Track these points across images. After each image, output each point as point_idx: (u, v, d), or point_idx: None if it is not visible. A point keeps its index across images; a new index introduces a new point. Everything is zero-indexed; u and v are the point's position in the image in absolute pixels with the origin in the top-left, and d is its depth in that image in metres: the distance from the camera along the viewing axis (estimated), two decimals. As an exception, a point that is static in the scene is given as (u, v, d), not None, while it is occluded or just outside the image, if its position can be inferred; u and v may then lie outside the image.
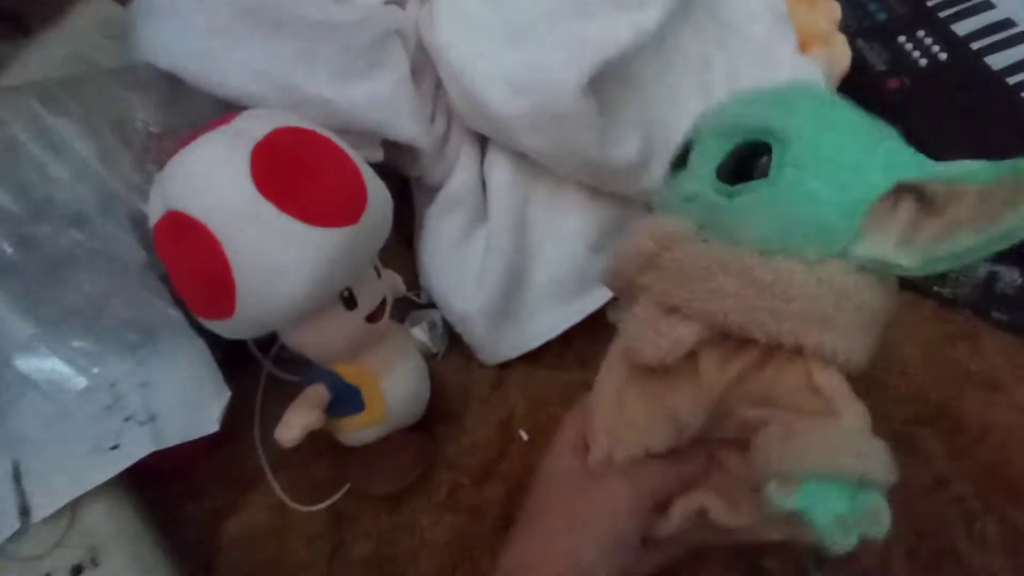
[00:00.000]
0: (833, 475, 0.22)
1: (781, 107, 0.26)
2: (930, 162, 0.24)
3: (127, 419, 0.32)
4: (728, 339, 0.26)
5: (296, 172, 0.28)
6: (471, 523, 0.37)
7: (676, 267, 0.26)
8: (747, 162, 0.25)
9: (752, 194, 0.25)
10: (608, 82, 0.39)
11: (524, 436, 0.41)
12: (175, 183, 0.28)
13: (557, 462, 0.31)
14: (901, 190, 0.24)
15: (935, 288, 0.49)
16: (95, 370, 0.34)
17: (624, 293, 0.30)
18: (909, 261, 0.24)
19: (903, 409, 0.43)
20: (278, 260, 0.28)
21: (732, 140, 0.26)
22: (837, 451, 0.22)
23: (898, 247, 0.24)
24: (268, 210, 0.27)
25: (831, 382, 0.24)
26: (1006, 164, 0.22)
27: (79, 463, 0.31)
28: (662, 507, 0.30)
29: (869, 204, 0.24)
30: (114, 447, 0.32)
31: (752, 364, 0.26)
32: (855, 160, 0.24)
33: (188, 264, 0.29)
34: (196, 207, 0.27)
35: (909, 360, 0.46)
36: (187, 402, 0.34)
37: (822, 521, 0.22)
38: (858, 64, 0.52)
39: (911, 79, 0.52)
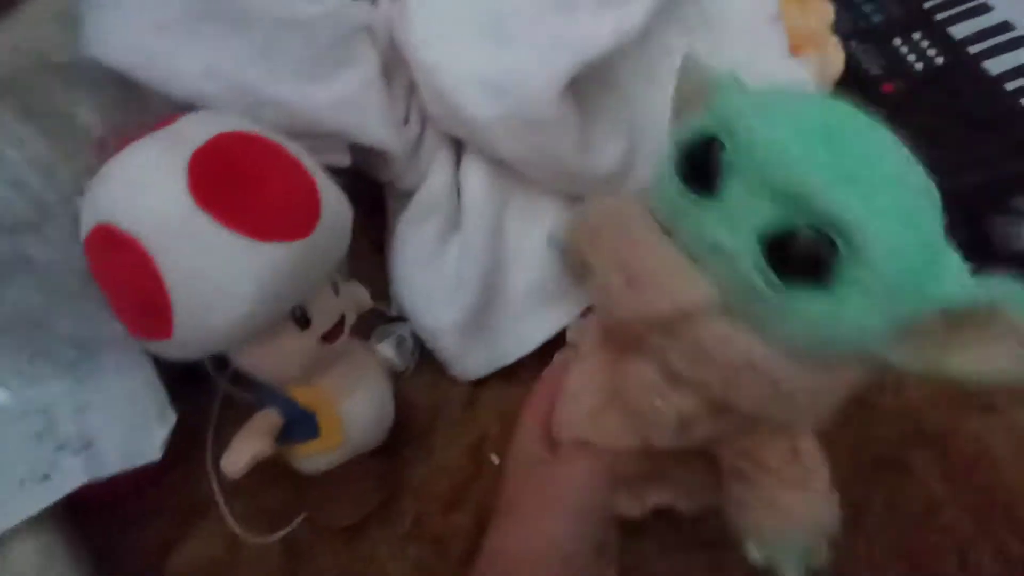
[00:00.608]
0: (802, 544, 0.26)
1: (860, 189, 0.21)
2: (974, 280, 0.22)
3: (60, 447, 0.30)
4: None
5: (239, 181, 0.26)
6: (436, 554, 0.35)
7: (696, 345, 0.23)
8: (800, 238, 0.21)
9: (804, 303, 0.21)
10: (588, 84, 0.37)
11: (495, 459, 0.39)
12: (105, 193, 0.26)
13: (523, 450, 0.31)
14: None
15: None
16: (28, 391, 0.31)
17: (620, 337, 0.27)
18: (912, 368, 0.22)
19: (895, 430, 0.41)
20: (218, 278, 0.25)
21: (788, 214, 0.21)
22: (809, 528, 0.26)
23: (908, 353, 0.22)
24: (206, 223, 0.25)
25: (809, 451, 0.26)
26: None
27: (6, 495, 0.29)
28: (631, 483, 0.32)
29: (917, 324, 0.21)
30: (45, 477, 0.29)
31: (743, 424, 0.26)
32: (916, 285, 0.21)
33: (119, 282, 0.26)
34: (127, 220, 0.25)
35: (901, 379, 0.44)
36: (128, 427, 0.31)
37: (785, 571, 0.26)
38: (852, 67, 0.50)
39: (907, 83, 0.50)
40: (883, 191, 0.21)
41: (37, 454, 0.29)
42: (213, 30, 0.35)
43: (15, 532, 0.28)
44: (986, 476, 0.40)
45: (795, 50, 0.46)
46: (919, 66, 0.50)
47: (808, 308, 0.21)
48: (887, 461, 0.40)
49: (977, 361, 0.22)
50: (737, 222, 0.22)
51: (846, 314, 0.21)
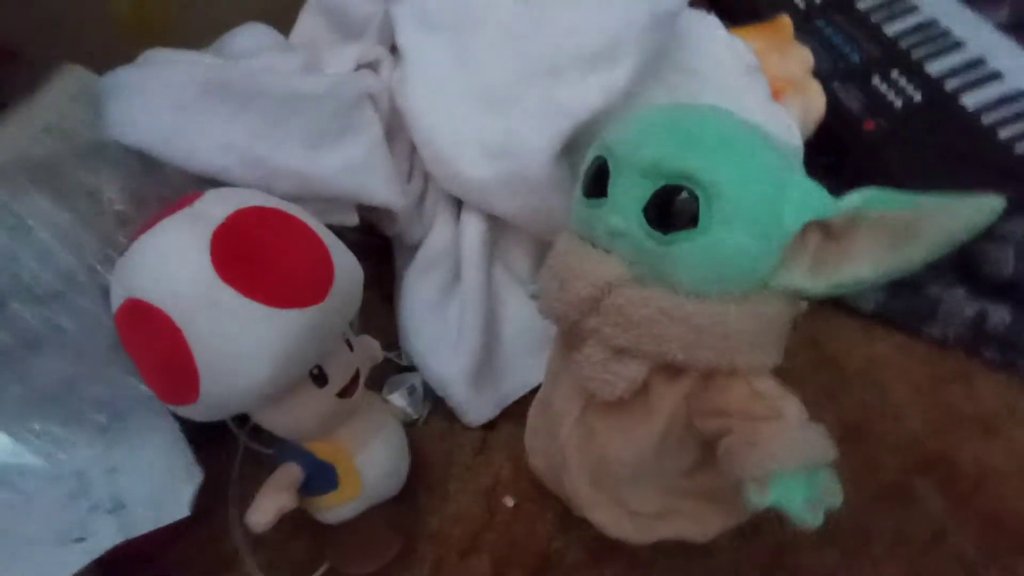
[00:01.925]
0: (795, 470, 0.26)
1: (698, 151, 0.27)
2: (830, 198, 0.27)
3: (93, 508, 0.31)
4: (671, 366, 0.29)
5: (258, 254, 0.28)
6: (455, 599, 0.36)
7: (618, 313, 0.28)
8: (669, 197, 0.27)
9: (684, 244, 0.27)
10: (578, 143, 0.39)
11: (510, 503, 0.40)
12: (134, 271, 0.28)
13: None
14: (808, 225, 0.27)
15: (924, 329, 0.49)
16: (61, 456, 0.33)
17: (570, 333, 0.32)
18: (817, 286, 0.28)
19: (897, 457, 0.42)
20: (241, 345, 0.27)
21: (655, 182, 0.27)
22: (794, 451, 0.26)
23: (807, 276, 0.28)
24: (229, 295, 0.27)
25: (769, 387, 0.29)
26: (892, 198, 0.27)
27: (41, 557, 0.30)
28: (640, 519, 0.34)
29: (785, 245, 0.27)
30: (79, 539, 0.30)
31: (696, 384, 0.30)
32: (772, 208, 0.27)
33: (150, 352, 0.28)
34: (156, 295, 0.27)
35: (902, 405, 0.45)
36: (157, 486, 0.33)
37: (795, 508, 0.26)
38: (834, 107, 0.51)
39: (888, 120, 0.52)
40: (721, 148, 0.27)
41: (71, 516, 0.31)
42: (227, 108, 0.37)
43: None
44: (990, 499, 0.40)
45: (777, 95, 0.48)
46: (899, 103, 0.52)
47: (692, 251, 0.27)
48: (891, 489, 0.41)
49: (865, 264, 0.27)
50: (624, 206, 0.28)
51: (721, 245, 0.27)
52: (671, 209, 0.27)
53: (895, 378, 0.47)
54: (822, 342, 0.49)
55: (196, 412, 0.29)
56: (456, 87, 0.42)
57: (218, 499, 0.38)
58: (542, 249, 0.47)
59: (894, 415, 0.45)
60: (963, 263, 0.51)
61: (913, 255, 0.27)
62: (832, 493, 0.27)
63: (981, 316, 0.48)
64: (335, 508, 0.34)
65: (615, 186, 0.29)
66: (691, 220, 0.27)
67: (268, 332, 0.27)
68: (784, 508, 0.26)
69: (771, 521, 0.38)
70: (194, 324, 0.27)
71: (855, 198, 0.27)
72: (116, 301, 0.29)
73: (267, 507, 0.31)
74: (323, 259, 0.30)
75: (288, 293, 0.28)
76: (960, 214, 0.26)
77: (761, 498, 0.26)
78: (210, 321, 0.27)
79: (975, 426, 0.44)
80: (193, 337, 0.27)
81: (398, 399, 0.42)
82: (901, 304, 0.50)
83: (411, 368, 0.45)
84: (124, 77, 0.37)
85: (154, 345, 0.28)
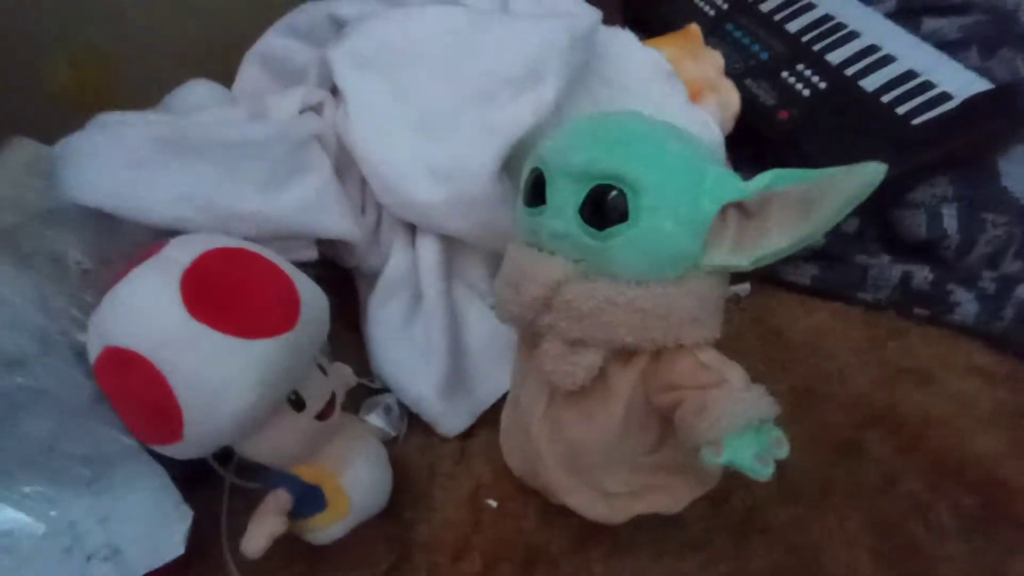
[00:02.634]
0: (744, 427, 0.29)
1: (621, 152, 0.30)
2: (743, 181, 0.31)
3: (89, 558, 0.32)
4: (623, 350, 0.32)
5: (227, 291, 0.30)
6: (452, 601, 0.38)
7: (569, 307, 0.31)
8: (600, 197, 0.30)
9: (619, 237, 0.30)
10: (516, 160, 0.42)
11: (493, 504, 0.42)
12: (109, 320, 0.29)
13: None
14: (726, 207, 0.30)
15: (858, 295, 0.52)
16: (52, 513, 0.34)
17: (529, 333, 0.34)
18: (742, 261, 0.31)
19: (846, 415, 0.45)
20: (220, 378, 0.29)
21: (586, 184, 0.30)
22: (741, 410, 0.29)
23: (731, 253, 0.31)
24: (204, 332, 0.28)
25: (712, 357, 0.32)
26: (793, 175, 0.30)
27: (44, 613, 0.31)
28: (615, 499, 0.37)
29: (707, 228, 0.30)
30: (79, 589, 0.31)
31: (648, 363, 0.33)
32: (691, 195, 0.30)
33: (132, 397, 0.29)
34: (133, 340, 0.28)
35: (845, 367, 0.49)
36: (150, 529, 0.34)
37: (747, 463, 0.28)
38: (749, 102, 0.55)
39: (799, 109, 0.56)
40: (640, 147, 0.30)
41: (70, 568, 0.32)
42: (181, 161, 0.39)
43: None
44: (934, 442, 0.44)
45: (695, 97, 0.51)
46: (807, 92, 0.57)
47: (626, 242, 0.30)
48: (844, 444, 0.44)
49: (780, 235, 0.30)
50: (561, 210, 0.31)
51: (651, 234, 0.30)
52: (604, 207, 0.30)
53: (837, 343, 0.50)
54: (766, 318, 0.53)
55: (182, 450, 0.30)
56: (397, 119, 0.45)
57: (211, 537, 0.39)
58: (497, 263, 0.49)
59: (840, 377, 0.48)
60: (884, 232, 0.55)
61: (820, 222, 0.30)
62: (780, 445, 0.29)
63: (907, 277, 0.52)
64: (326, 528, 0.36)
65: (552, 193, 0.32)
66: (622, 215, 0.30)
67: (244, 362, 0.29)
68: (737, 465, 0.29)
69: (739, 488, 0.41)
70: (173, 363, 0.28)
71: (762, 179, 0.31)
72: (94, 352, 0.30)
73: (259, 533, 0.32)
74: (288, 289, 0.32)
75: (259, 324, 0.30)
76: (851, 181, 0.30)
77: (716, 458, 0.29)
78: (188, 359, 0.28)
79: (914, 378, 0.47)
80: (173, 376, 0.28)
81: (376, 419, 0.43)
82: (834, 275, 0.53)
83: (384, 389, 0.46)
84: (77, 142, 0.39)
85: (136, 389, 0.29)
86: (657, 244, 0.30)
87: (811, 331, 0.51)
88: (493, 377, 0.46)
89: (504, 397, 0.44)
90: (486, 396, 0.46)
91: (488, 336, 0.47)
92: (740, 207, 0.31)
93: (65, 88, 0.62)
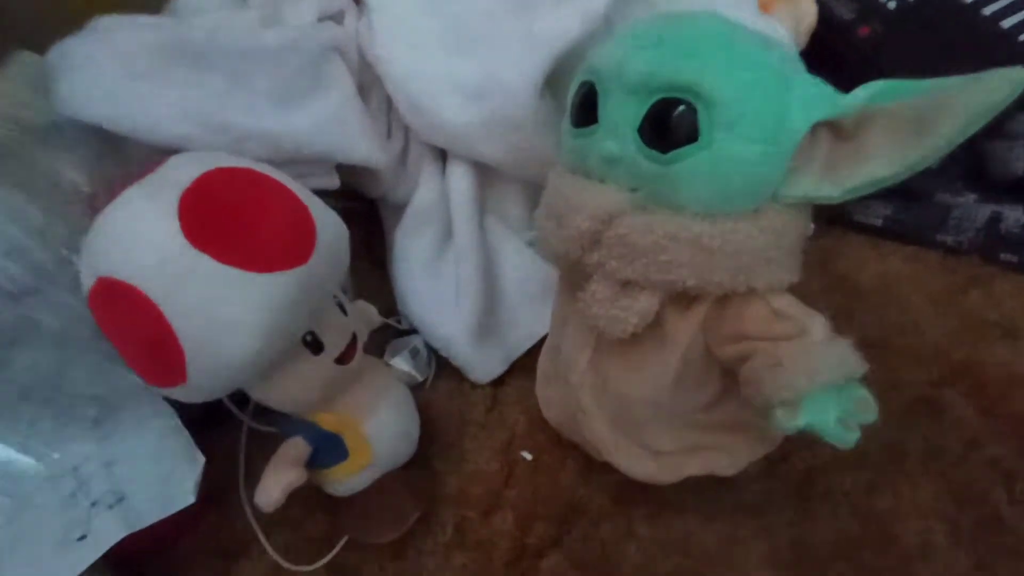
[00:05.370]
0: (826, 387, 0.25)
1: (692, 58, 0.25)
2: (838, 93, 0.26)
3: (94, 504, 0.30)
4: (683, 294, 0.28)
5: (232, 216, 0.26)
6: (482, 560, 0.35)
7: (622, 243, 0.27)
8: (664, 113, 0.26)
9: (686, 161, 0.25)
10: (562, 77, 0.37)
11: (528, 456, 0.39)
12: (101, 247, 0.26)
13: None
14: (816, 126, 0.25)
15: (936, 238, 0.47)
16: (55, 455, 0.31)
17: (573, 273, 0.30)
18: (832, 191, 0.26)
19: (922, 371, 0.41)
20: (224, 316, 0.25)
21: (648, 98, 0.26)
22: (823, 366, 0.25)
23: (820, 181, 0.26)
24: (204, 263, 0.25)
25: (788, 305, 0.27)
26: (905, 87, 0.25)
27: (45, 560, 0.29)
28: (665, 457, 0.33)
29: (793, 149, 0.25)
30: (82, 537, 0.29)
31: (711, 310, 0.28)
32: (776, 111, 0.25)
33: (128, 333, 0.26)
34: (126, 270, 0.25)
35: (921, 317, 0.44)
36: (158, 476, 0.31)
37: (828, 428, 0.25)
38: (825, 16, 0.49)
39: (882, 25, 0.49)
40: (716, 53, 0.25)
41: (72, 515, 0.29)
42: (184, 71, 0.35)
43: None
44: (1020, 404, 0.39)
45: (766, 8, 0.45)
46: (892, 5, 0.50)
47: (695, 167, 0.25)
48: (919, 403, 0.40)
49: (882, 162, 0.25)
50: (616, 129, 0.26)
51: (726, 157, 0.25)
52: (668, 125, 0.25)
53: (911, 291, 0.46)
54: (832, 262, 0.48)
55: (188, 393, 0.27)
56: (426, 31, 0.40)
57: (227, 485, 0.37)
58: (535, 195, 0.45)
59: (914, 328, 0.43)
60: (971, 167, 0.49)
61: (934, 145, 0.25)
62: (866, 408, 0.25)
63: (995, 218, 0.46)
64: (348, 479, 0.33)
65: (605, 109, 0.27)
66: (690, 134, 0.25)
67: (252, 299, 0.25)
68: (817, 429, 0.25)
69: (799, 447, 0.37)
70: (171, 298, 0.25)
71: (865, 91, 0.25)
72: (87, 282, 0.27)
73: (274, 485, 0.30)
74: (303, 217, 0.28)
75: (269, 256, 0.26)
76: (978, 94, 0.24)
77: (792, 421, 0.25)
78: (188, 293, 0.25)
79: (999, 331, 0.43)
80: (172, 313, 0.25)
81: (401, 363, 0.40)
82: (911, 216, 0.48)
83: (412, 331, 0.43)
84: (71, 47, 0.35)
85: (132, 325, 0.26)
86: (732, 170, 0.25)
87: (882, 277, 0.47)
88: (529, 320, 0.42)
89: (541, 342, 0.40)
90: (521, 340, 0.42)
91: (524, 275, 0.43)
92: (833, 126, 0.26)
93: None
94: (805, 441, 0.37)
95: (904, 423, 0.39)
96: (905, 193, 0.48)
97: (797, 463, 0.37)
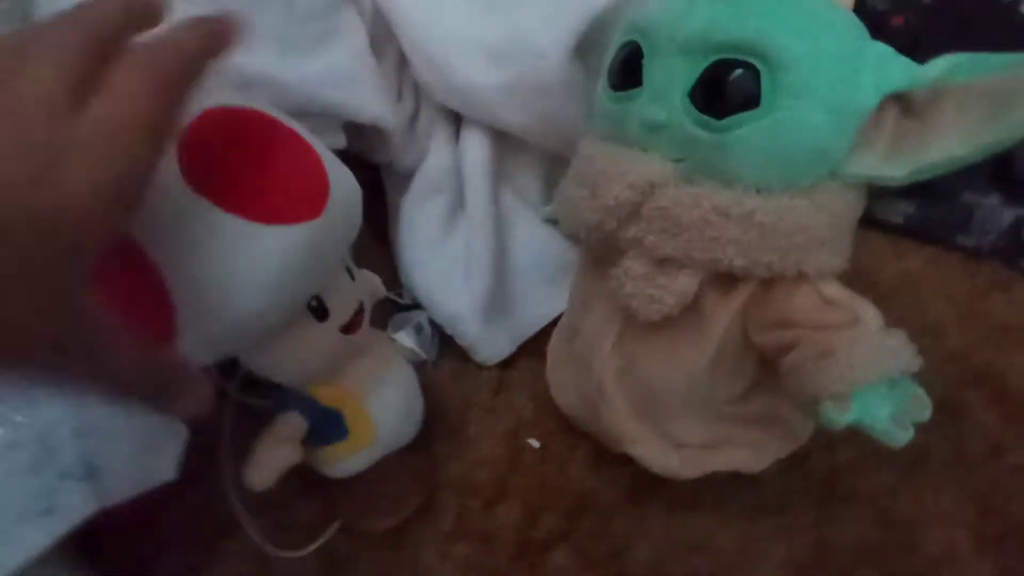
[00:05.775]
0: (879, 380, 0.23)
1: (758, 16, 0.23)
2: (911, 64, 0.24)
3: (62, 476, 0.27)
4: (726, 275, 0.26)
5: (238, 159, 0.23)
6: (484, 551, 0.33)
7: (664, 217, 0.25)
8: (720, 76, 0.23)
9: (744, 128, 0.23)
10: (594, 44, 0.35)
11: (535, 444, 0.37)
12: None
13: None
14: (885, 101, 0.24)
15: (958, 239, 0.46)
16: (17, 418, 0.28)
17: (604, 248, 0.28)
18: (896, 171, 0.24)
19: (943, 373, 0.40)
20: (223, 270, 0.23)
21: (704, 59, 0.24)
22: (879, 358, 0.23)
23: (885, 160, 0.24)
24: (204, 209, 0.22)
25: (839, 292, 0.25)
26: (983, 61, 0.23)
27: (4, 533, 0.26)
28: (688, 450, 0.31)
29: (862, 121, 0.24)
30: (47, 511, 0.26)
31: (754, 294, 0.26)
32: (848, 77, 0.23)
33: (113, 284, 0.23)
34: (113, 211, 0.22)
35: (942, 320, 0.43)
36: (135, 447, 0.28)
37: (881, 425, 0.23)
38: (859, 5, 0.48)
39: (916, 15, 0.48)
40: (783, 11, 0.23)
41: (36, 486, 0.26)
42: (185, 5, 0.32)
43: (25, 573, 0.25)
44: (1044, 412, 0.38)
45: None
46: (927, -2, 0.48)
47: (752, 136, 0.23)
48: (942, 405, 0.38)
49: (955, 140, 0.23)
50: (664, 92, 0.24)
51: (789, 126, 0.23)
52: (724, 89, 0.23)
53: (931, 292, 0.44)
54: (851, 258, 0.46)
55: (176, 355, 0.25)
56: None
57: (213, 461, 0.34)
58: (553, 168, 0.42)
59: (934, 330, 0.42)
60: (997, 168, 0.48)
61: (1012, 126, 0.23)
62: (920, 406, 0.24)
63: (1018, 223, 0.45)
64: (346, 460, 0.30)
65: (651, 71, 0.25)
66: (748, 100, 0.23)
67: (257, 252, 0.23)
68: (868, 426, 0.24)
69: (820, 446, 0.35)
70: (163, 246, 0.22)
71: (944, 63, 0.24)
72: (66, 224, 0.24)
73: (266, 463, 0.27)
74: (316, 167, 0.25)
75: (278, 205, 0.23)
76: None
77: (842, 416, 0.23)
78: (183, 242, 0.22)
79: (1020, 337, 0.41)
80: (164, 263, 0.22)
81: (405, 338, 0.37)
82: (933, 215, 0.47)
83: (415, 306, 0.40)
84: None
85: (118, 275, 0.23)
86: (794, 140, 0.23)
87: (902, 277, 0.45)
88: (540, 300, 0.40)
89: (552, 324, 0.38)
90: (531, 321, 0.40)
91: (537, 253, 0.41)
92: (903, 101, 0.24)
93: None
94: (826, 440, 0.36)
95: (927, 426, 0.37)
96: (930, 191, 0.47)
97: (817, 462, 0.36)
